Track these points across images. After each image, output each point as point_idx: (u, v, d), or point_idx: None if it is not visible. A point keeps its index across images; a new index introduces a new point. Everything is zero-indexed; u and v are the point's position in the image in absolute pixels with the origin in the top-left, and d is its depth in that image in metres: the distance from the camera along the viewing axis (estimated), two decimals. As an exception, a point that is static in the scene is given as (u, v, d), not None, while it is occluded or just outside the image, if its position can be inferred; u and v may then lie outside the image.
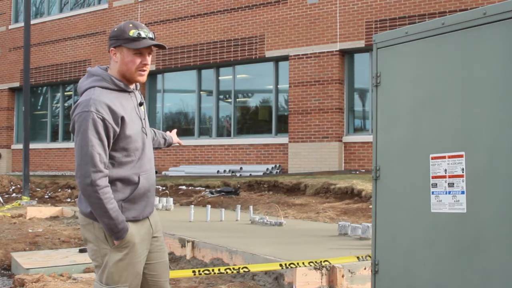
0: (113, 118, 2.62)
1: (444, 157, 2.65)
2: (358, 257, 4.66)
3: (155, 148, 3.24)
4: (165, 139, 3.31)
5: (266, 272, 4.85)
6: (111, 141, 2.63)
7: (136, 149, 2.72)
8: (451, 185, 2.62)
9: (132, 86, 2.80)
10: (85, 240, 2.78)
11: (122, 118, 2.64)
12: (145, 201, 2.76)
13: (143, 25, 2.75)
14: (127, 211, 2.68)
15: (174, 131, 3.52)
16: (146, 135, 2.81)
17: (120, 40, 2.69)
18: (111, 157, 2.65)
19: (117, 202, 2.64)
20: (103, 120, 2.59)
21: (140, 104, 2.82)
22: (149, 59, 2.75)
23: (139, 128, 2.75)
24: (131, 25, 2.70)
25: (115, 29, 2.73)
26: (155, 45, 2.74)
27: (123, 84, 2.72)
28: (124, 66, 2.71)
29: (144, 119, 2.82)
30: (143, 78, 2.76)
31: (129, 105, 2.72)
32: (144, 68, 2.74)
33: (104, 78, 2.71)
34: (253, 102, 16.26)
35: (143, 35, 2.68)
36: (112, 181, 2.64)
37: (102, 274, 2.68)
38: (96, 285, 2.72)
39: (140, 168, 2.73)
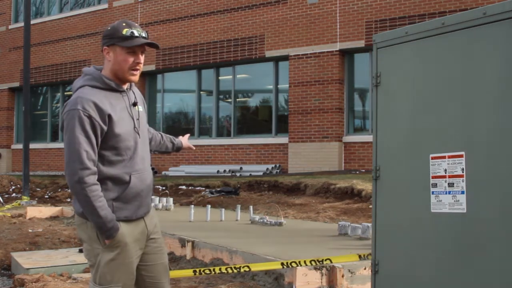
0: (100, 115, 2.60)
1: (444, 157, 2.65)
2: (359, 256, 4.66)
3: (162, 152, 3.23)
4: (173, 143, 3.29)
5: (266, 272, 4.85)
6: (99, 138, 2.62)
7: (127, 148, 2.70)
8: (451, 185, 2.62)
9: (126, 86, 2.78)
10: (80, 240, 2.78)
11: (109, 116, 2.62)
12: (138, 201, 2.73)
13: (137, 24, 2.75)
14: (119, 211, 2.67)
15: (187, 135, 3.51)
16: (139, 135, 2.78)
17: (113, 38, 2.68)
18: (100, 156, 2.64)
19: (108, 201, 2.62)
20: (90, 117, 2.58)
21: (134, 104, 2.79)
22: (142, 58, 2.74)
23: (130, 127, 2.72)
24: (124, 24, 2.70)
25: (109, 28, 2.73)
26: (149, 45, 2.74)
27: (113, 84, 2.71)
28: (117, 65, 2.70)
29: (138, 119, 2.78)
30: (136, 77, 2.74)
31: (119, 105, 2.71)
32: (137, 67, 2.72)
33: (94, 77, 2.71)
34: (253, 102, 16.26)
35: (136, 33, 2.68)
36: (103, 180, 2.63)
37: (96, 274, 2.68)
38: (90, 285, 2.72)
39: (131, 168, 2.71)
